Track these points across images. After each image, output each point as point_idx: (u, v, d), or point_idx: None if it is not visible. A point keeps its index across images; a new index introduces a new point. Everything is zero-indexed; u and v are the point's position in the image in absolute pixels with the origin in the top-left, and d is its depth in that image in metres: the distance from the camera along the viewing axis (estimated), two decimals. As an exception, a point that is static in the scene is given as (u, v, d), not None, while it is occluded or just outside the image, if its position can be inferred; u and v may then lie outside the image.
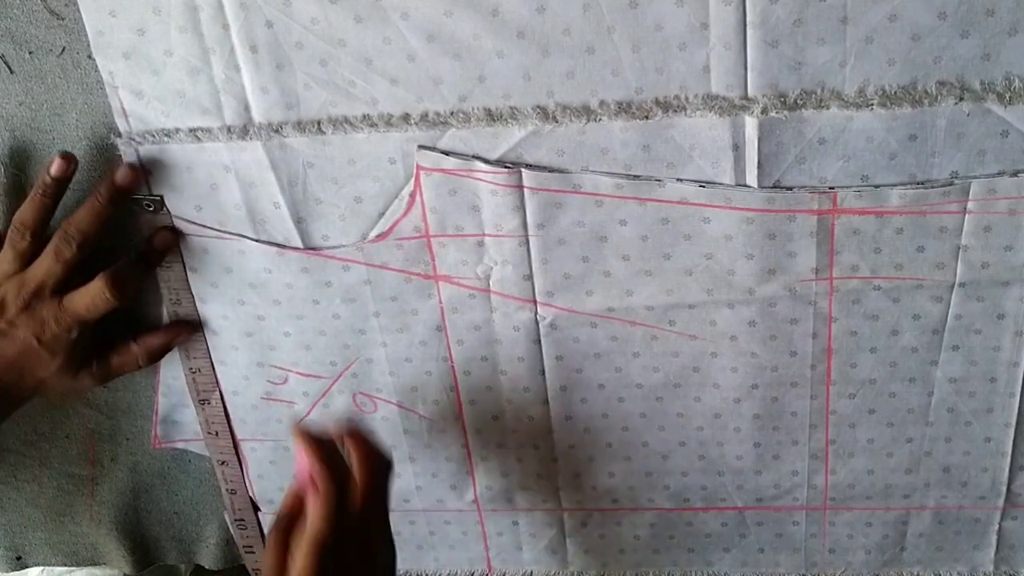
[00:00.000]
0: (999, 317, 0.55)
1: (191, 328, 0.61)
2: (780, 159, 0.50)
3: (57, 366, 0.56)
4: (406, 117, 0.52)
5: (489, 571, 0.71)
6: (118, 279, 0.54)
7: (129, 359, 0.60)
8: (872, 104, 0.48)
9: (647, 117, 0.50)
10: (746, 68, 0.48)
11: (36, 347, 0.55)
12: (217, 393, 0.64)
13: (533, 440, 0.63)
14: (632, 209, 0.53)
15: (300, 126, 0.53)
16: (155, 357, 0.61)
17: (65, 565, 0.75)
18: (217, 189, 0.55)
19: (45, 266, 0.54)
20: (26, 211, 0.54)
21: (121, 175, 0.54)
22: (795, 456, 0.62)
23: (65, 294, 0.54)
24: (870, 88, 0.48)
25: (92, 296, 0.54)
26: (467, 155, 0.52)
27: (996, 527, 0.63)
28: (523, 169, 0.52)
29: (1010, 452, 0.60)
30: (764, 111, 0.49)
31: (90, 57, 0.52)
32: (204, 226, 0.57)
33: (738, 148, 0.50)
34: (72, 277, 0.54)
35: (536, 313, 0.58)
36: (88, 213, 0.54)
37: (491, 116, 0.51)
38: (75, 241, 0.53)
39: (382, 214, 0.55)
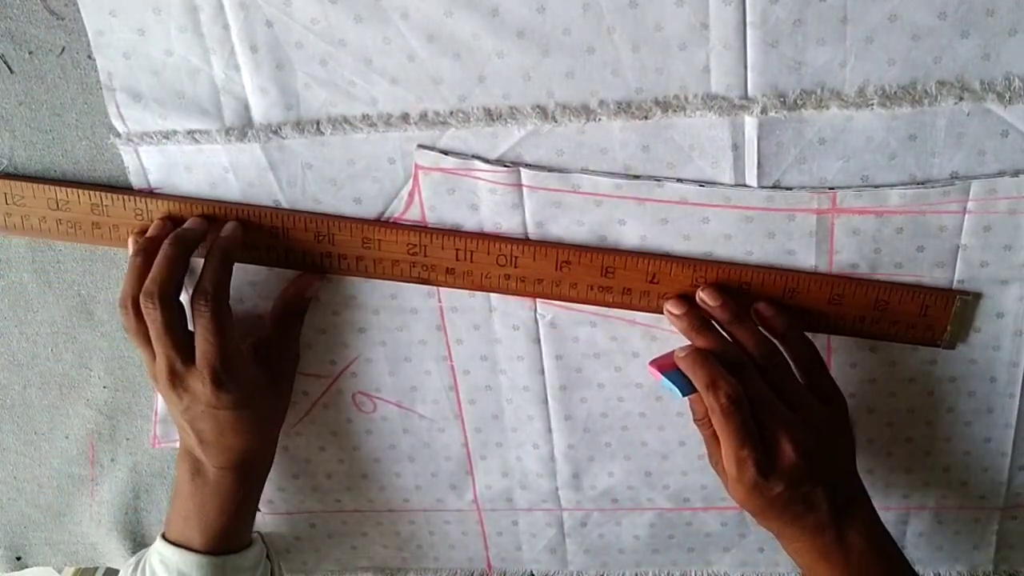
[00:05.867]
0: (999, 316, 0.55)
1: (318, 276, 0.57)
2: (780, 159, 0.50)
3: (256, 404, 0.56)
4: (405, 117, 0.52)
5: (489, 571, 0.71)
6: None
7: (288, 340, 0.59)
8: (872, 104, 0.48)
9: (647, 117, 0.50)
10: (746, 68, 0.48)
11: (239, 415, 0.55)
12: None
13: (533, 440, 0.63)
14: (631, 209, 0.53)
15: (299, 126, 0.53)
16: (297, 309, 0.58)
17: (65, 565, 0.75)
18: (216, 189, 0.55)
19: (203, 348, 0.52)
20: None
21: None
22: (795, 456, 0.62)
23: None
24: (870, 88, 0.48)
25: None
26: (466, 155, 0.52)
27: (996, 527, 0.63)
28: (522, 168, 0.52)
29: (1010, 452, 0.60)
30: (764, 111, 0.49)
31: (90, 57, 0.52)
32: (204, 226, 0.57)
33: (738, 148, 0.50)
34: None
35: (536, 312, 0.58)
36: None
37: (490, 116, 0.51)
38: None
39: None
